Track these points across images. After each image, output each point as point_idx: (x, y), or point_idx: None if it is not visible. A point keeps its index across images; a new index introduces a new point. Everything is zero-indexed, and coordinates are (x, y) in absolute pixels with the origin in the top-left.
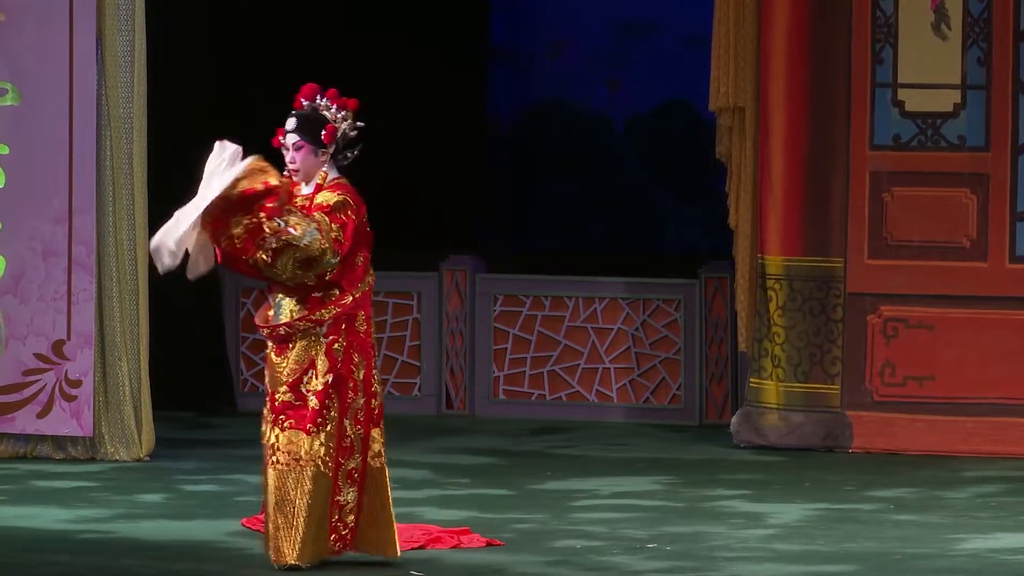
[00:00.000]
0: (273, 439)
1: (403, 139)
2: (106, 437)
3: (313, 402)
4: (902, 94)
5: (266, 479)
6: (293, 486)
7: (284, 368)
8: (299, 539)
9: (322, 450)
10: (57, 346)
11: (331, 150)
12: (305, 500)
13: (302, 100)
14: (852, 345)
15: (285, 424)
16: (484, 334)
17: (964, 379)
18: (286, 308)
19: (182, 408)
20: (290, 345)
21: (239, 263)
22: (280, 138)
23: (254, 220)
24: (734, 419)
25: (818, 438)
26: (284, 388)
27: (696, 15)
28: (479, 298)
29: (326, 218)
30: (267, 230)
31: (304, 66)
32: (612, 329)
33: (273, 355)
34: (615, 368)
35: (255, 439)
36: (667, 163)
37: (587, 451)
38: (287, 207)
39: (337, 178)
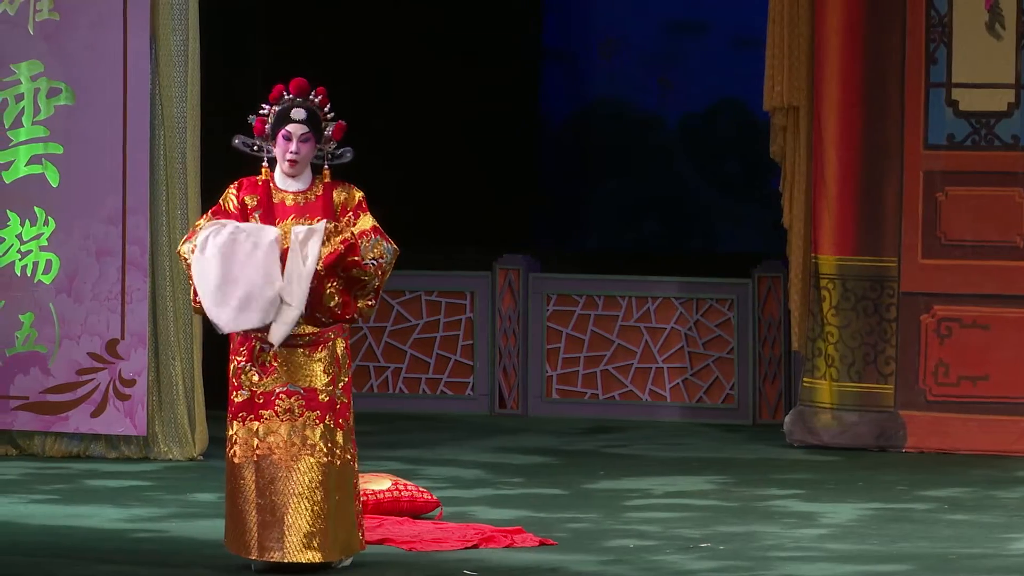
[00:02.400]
0: (315, 436)
1: (456, 139)
2: (159, 436)
3: (343, 399)
4: (956, 93)
5: (285, 474)
6: (338, 482)
7: (318, 368)
8: (345, 534)
9: (350, 446)
10: (111, 345)
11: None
12: (350, 493)
13: (285, 93)
14: (905, 345)
15: (327, 420)
16: (537, 334)
17: (1018, 379)
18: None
19: None
20: (320, 347)
21: (342, 320)
22: (276, 127)
23: (343, 277)
24: (787, 419)
25: (871, 438)
26: (321, 387)
27: (746, 15)
28: (532, 297)
29: (372, 220)
30: (366, 279)
31: (356, 65)
32: (665, 328)
33: (300, 354)
34: (668, 368)
35: None
36: (720, 162)
37: (640, 450)
38: (360, 242)
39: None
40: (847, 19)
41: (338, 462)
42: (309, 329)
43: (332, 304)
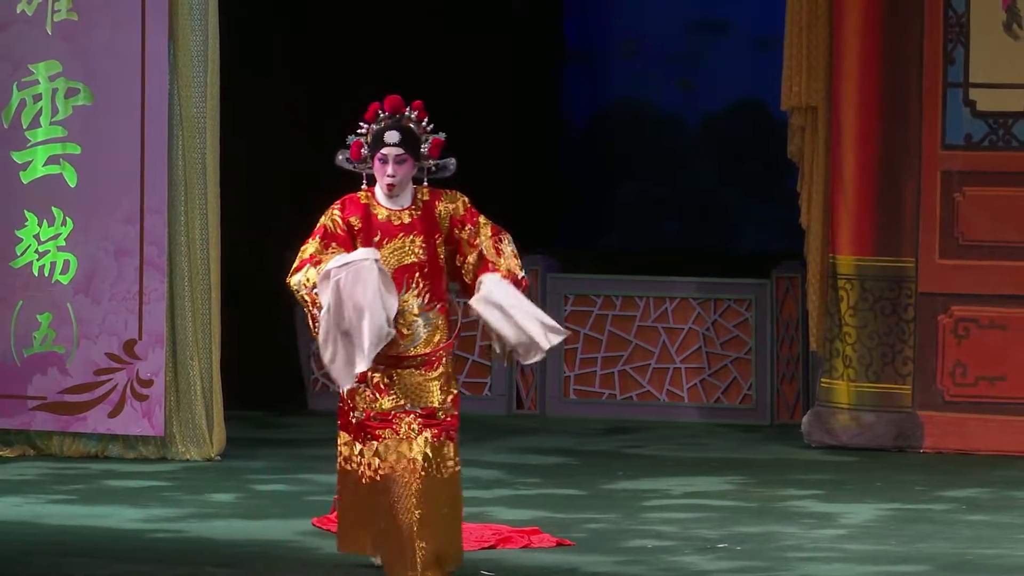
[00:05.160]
0: (433, 454)
1: (477, 140)
2: (177, 437)
3: (453, 412)
4: (974, 94)
5: (417, 488)
6: (449, 497)
7: (435, 387)
8: (455, 548)
9: (458, 457)
10: (129, 346)
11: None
12: (458, 506)
13: (380, 111)
14: (923, 345)
15: (442, 437)
16: None
17: None
18: (422, 331)
19: (253, 408)
20: (435, 365)
21: None
22: (372, 150)
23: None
24: (805, 419)
25: (889, 438)
26: (439, 404)
27: (767, 15)
28: (550, 297)
29: (489, 222)
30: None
31: (376, 66)
32: (683, 329)
33: (416, 374)
34: (686, 368)
35: (326, 439)
36: (739, 163)
37: (658, 451)
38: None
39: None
40: (865, 19)
41: (447, 475)
42: (423, 349)
43: None
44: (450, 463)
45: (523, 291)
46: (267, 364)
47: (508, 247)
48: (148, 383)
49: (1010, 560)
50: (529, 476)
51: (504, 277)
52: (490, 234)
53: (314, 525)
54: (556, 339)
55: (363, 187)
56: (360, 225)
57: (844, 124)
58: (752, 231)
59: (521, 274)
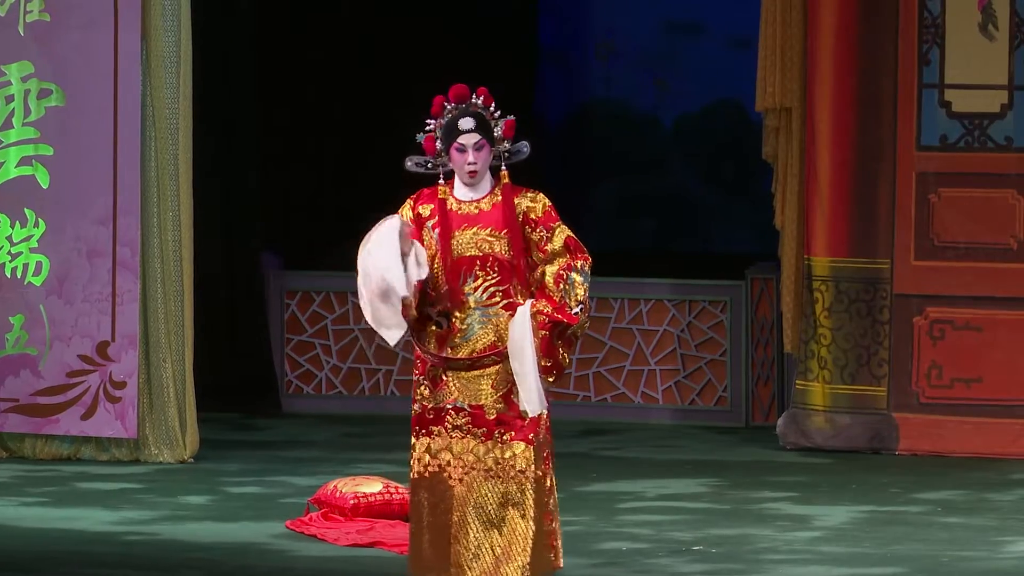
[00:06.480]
0: (482, 454)
1: None
2: (150, 439)
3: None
4: (949, 95)
5: (453, 493)
6: (518, 497)
7: (487, 384)
8: (529, 553)
9: (539, 460)
10: (101, 347)
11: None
12: (533, 510)
13: (446, 103)
14: (899, 347)
15: (505, 436)
16: None
17: (1012, 381)
18: (477, 326)
19: (226, 410)
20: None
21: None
22: (447, 142)
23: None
24: (780, 421)
25: (864, 440)
26: (490, 403)
27: (742, 15)
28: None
29: (565, 231)
30: (579, 333)
31: (350, 65)
32: (658, 330)
33: (464, 370)
34: (661, 370)
35: (300, 441)
36: (714, 163)
37: (632, 453)
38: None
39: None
40: (840, 20)
41: (509, 479)
42: (474, 347)
43: (565, 359)
44: (509, 469)
45: (569, 328)
46: (240, 366)
47: (573, 286)
48: (121, 385)
49: (986, 563)
50: None
51: (540, 312)
52: (560, 247)
53: (288, 528)
54: (529, 409)
55: (439, 183)
56: (428, 214)
57: (819, 125)
58: (727, 232)
59: (575, 309)
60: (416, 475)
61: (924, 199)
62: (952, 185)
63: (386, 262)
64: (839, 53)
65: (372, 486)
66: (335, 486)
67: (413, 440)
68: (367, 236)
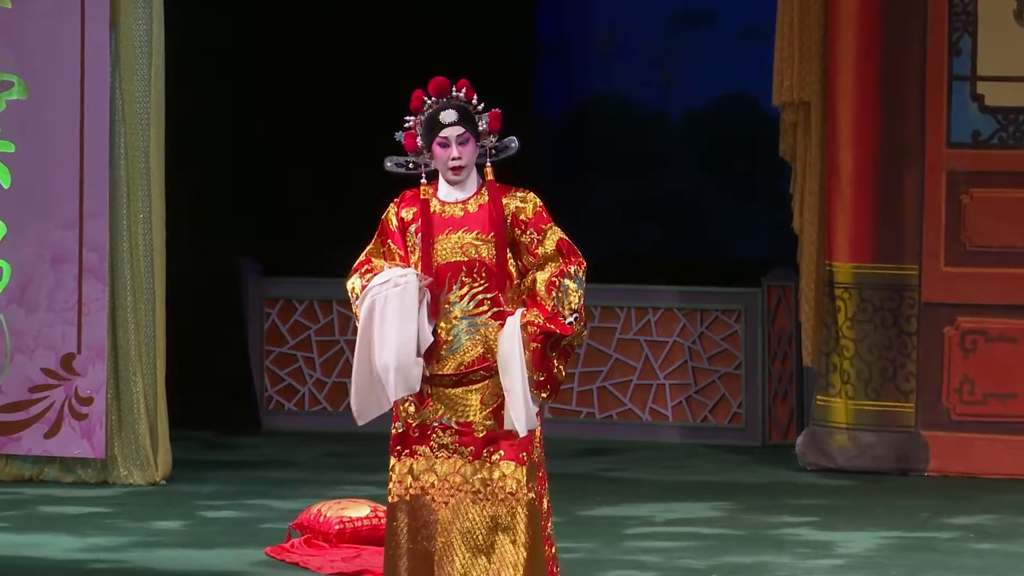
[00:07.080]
0: (468, 475)
1: None
2: (119, 459)
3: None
4: (981, 87)
5: (436, 517)
6: (508, 521)
7: (475, 399)
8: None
9: (531, 481)
10: (66, 360)
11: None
12: (525, 536)
13: (426, 97)
14: (927, 360)
15: (495, 456)
16: None
17: None
18: (463, 337)
19: (201, 427)
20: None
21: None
22: (428, 137)
23: (556, 352)
24: (799, 440)
25: (890, 460)
26: (479, 420)
27: (755, 3)
28: None
29: (557, 233)
30: (576, 343)
31: (339, 60)
32: (667, 342)
33: (451, 386)
34: (670, 384)
35: (281, 461)
36: (726, 162)
37: (640, 474)
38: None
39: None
40: (862, 7)
41: (499, 502)
42: (459, 359)
43: (560, 373)
44: (498, 490)
45: (564, 339)
46: (216, 380)
47: (567, 292)
48: (88, 401)
49: None
50: None
51: (531, 323)
52: (553, 250)
53: (268, 555)
54: (518, 428)
55: (422, 183)
56: (412, 219)
57: (840, 121)
58: (741, 236)
59: (569, 319)
60: (396, 498)
61: (955, 200)
62: (985, 185)
63: (403, 337)
64: (862, 42)
65: (359, 510)
66: (319, 510)
67: (393, 461)
68: (379, 287)
